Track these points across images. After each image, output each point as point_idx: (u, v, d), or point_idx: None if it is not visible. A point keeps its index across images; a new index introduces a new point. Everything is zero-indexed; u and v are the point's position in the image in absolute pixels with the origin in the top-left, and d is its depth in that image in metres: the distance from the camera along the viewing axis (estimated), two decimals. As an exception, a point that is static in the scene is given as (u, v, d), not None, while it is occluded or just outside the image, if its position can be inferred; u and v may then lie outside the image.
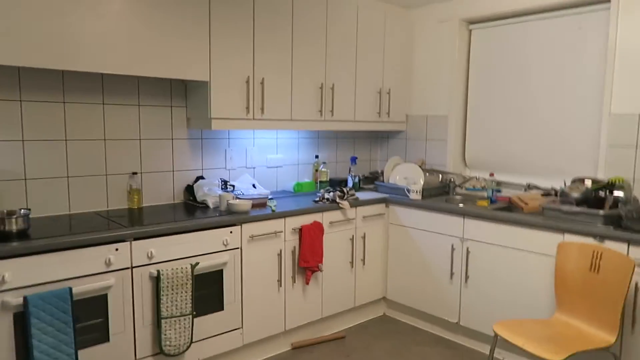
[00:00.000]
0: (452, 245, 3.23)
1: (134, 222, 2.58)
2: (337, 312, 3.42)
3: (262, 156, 3.63)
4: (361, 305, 3.62)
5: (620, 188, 2.73)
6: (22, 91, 2.58)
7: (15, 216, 2.23)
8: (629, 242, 2.44)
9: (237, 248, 2.81)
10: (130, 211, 2.89)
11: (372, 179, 4.08)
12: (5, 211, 2.31)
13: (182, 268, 2.54)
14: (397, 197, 3.59)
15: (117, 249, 2.35)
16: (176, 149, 3.18)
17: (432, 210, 3.34)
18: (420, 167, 3.82)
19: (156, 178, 3.11)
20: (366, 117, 3.83)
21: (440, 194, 3.72)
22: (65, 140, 2.74)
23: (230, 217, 2.78)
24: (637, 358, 2.45)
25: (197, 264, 2.60)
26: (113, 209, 2.93)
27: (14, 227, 2.22)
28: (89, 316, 2.30)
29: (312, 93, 3.44)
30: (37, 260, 2.14)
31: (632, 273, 2.31)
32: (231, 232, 2.77)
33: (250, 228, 2.85)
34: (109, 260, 2.32)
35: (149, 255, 2.46)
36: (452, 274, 3.26)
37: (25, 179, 2.62)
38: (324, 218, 3.23)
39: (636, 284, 2.42)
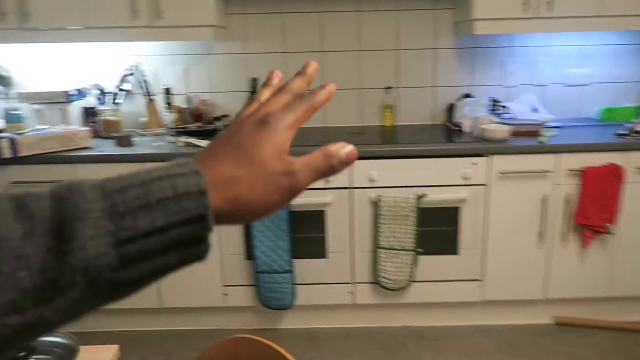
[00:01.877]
0: None
1: (382, 140, 2.39)
2: (636, 295, 2.42)
3: (559, 70, 2.74)
4: (689, 296, 2.45)
5: None
6: (283, 3, 2.64)
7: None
8: None
9: (482, 184, 2.26)
10: (382, 129, 2.70)
11: None
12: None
13: (405, 198, 2.22)
14: None
15: (335, 167, 2.23)
16: (439, 61, 2.73)
17: None
18: None
19: (413, 94, 2.77)
20: None
21: None
22: (321, 52, 2.71)
23: (479, 145, 2.23)
24: None
25: (423, 195, 2.23)
26: (365, 125, 2.80)
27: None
28: (308, 229, 2.31)
29: (643, -28, 2.29)
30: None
31: None
32: (475, 163, 2.23)
33: (502, 161, 2.23)
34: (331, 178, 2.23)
35: (370, 177, 2.24)
36: None
37: (285, 90, 2.76)
38: (628, 161, 2.23)
39: None
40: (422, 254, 2.32)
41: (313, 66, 0.46)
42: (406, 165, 2.24)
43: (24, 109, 2.53)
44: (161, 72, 2.70)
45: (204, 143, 2.29)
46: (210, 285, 2.39)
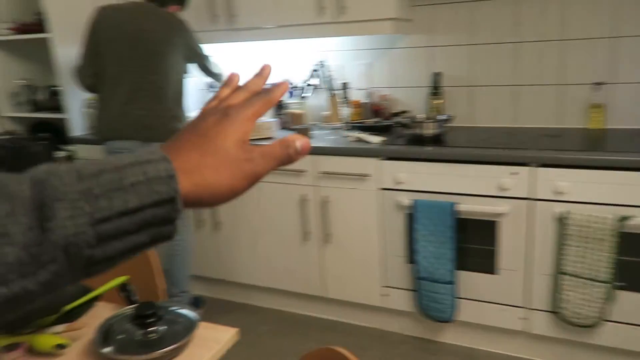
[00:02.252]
0: None
1: (582, 145, 2.04)
2: None
3: None
4: None
5: None
6: (474, -10, 2.42)
7: (429, 121, 2.24)
8: None
9: None
10: (585, 132, 2.28)
11: None
12: (423, 116, 2.36)
13: (602, 218, 1.82)
14: None
15: (513, 173, 1.95)
16: (674, 51, 2.16)
17: None
18: None
19: (633, 91, 2.26)
20: None
21: None
22: (514, 42, 2.40)
23: None
24: None
25: (627, 217, 1.79)
26: (564, 127, 2.39)
27: (428, 132, 2.24)
28: (477, 240, 2.08)
29: None
30: (430, 168, 2.10)
31: None
32: None
33: None
34: (503, 184, 1.97)
35: (557, 189, 1.90)
36: None
37: (471, 86, 2.53)
38: None
39: None
40: (621, 288, 1.88)
41: (268, 69, 0.52)
42: (607, 177, 1.83)
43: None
44: (347, 67, 2.75)
45: (375, 139, 2.25)
46: (370, 283, 2.35)
